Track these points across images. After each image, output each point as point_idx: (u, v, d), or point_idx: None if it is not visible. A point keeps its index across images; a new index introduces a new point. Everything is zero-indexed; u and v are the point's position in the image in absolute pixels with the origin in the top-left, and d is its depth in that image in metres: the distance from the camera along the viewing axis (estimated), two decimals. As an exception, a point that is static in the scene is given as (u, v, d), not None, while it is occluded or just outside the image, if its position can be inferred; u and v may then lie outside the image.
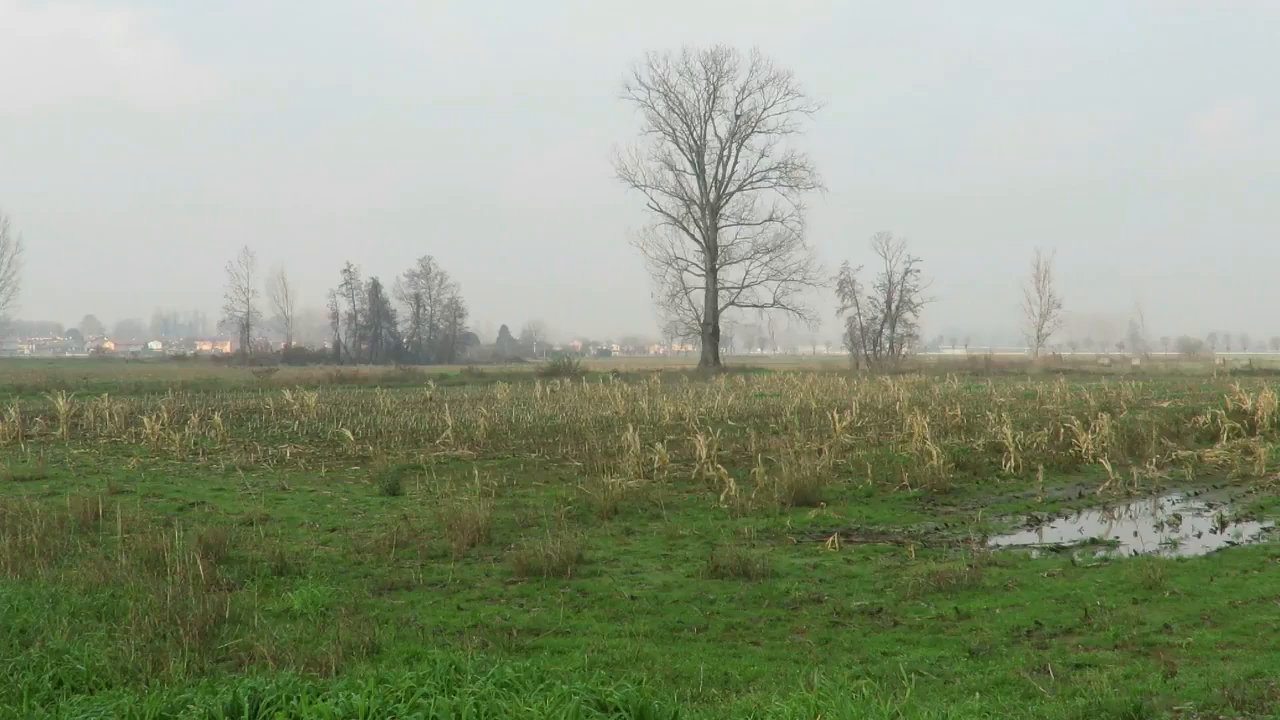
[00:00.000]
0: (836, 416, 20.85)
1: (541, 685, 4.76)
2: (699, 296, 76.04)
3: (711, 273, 73.91)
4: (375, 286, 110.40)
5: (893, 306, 79.65)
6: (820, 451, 16.73)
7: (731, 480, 12.74)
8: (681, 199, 74.91)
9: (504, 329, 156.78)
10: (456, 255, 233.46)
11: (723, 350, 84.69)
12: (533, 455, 17.59)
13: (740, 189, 74.79)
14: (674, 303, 75.46)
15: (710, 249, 73.70)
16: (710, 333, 74.04)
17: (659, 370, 61.01)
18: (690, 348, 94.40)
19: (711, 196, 74.37)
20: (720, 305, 75.56)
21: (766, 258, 74.67)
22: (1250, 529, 10.94)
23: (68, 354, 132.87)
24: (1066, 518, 12.01)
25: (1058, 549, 9.91)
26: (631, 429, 16.30)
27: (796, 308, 74.23)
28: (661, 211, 74.88)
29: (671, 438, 19.80)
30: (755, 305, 75.70)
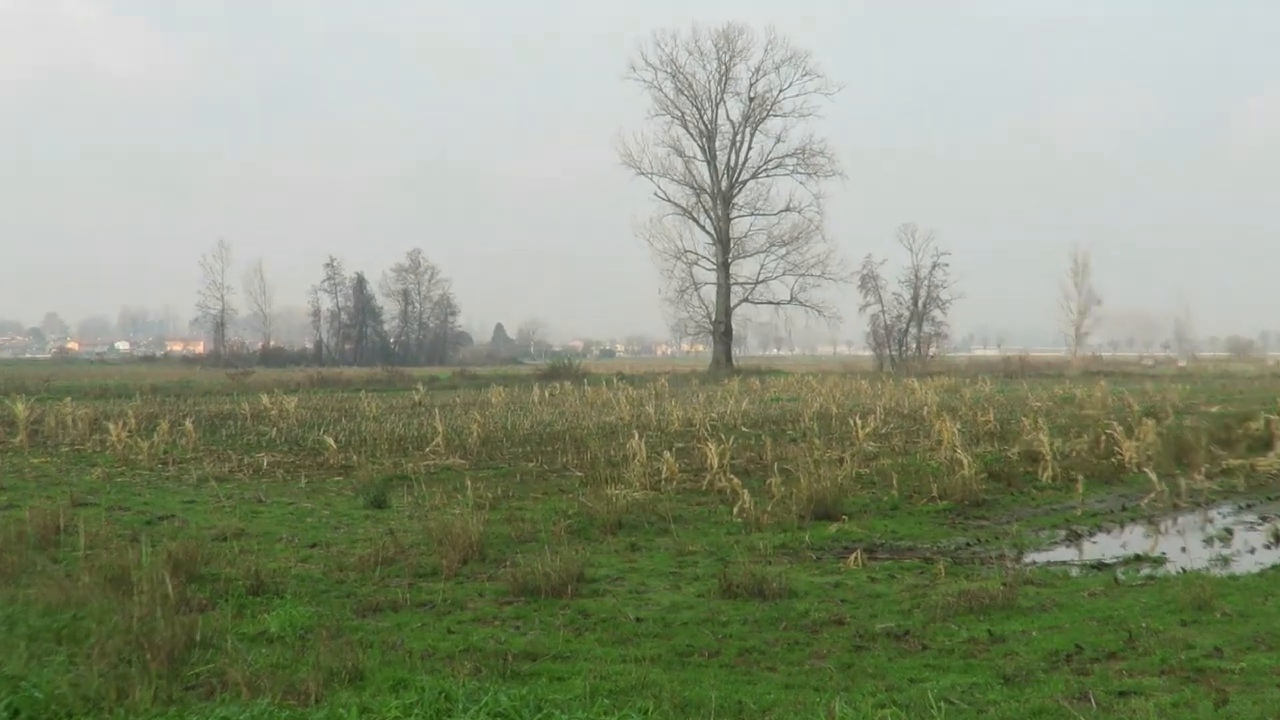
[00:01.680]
0: (859, 422, 20.88)
1: (539, 715, 4.74)
2: (710, 293, 76.12)
3: (723, 267, 73.94)
4: (360, 282, 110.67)
5: (919, 303, 79.56)
6: (841, 460, 16.72)
7: (745, 492, 12.70)
8: (691, 187, 75.07)
9: (499, 328, 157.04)
10: (448, 249, 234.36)
11: (736, 351, 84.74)
12: (530, 465, 17.65)
13: (754, 176, 74.90)
14: (683, 299, 75.56)
15: (722, 241, 73.69)
16: (722, 332, 74.06)
17: (667, 372, 61.06)
18: (701, 348, 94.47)
19: (723, 185, 74.42)
20: (733, 302, 75.60)
21: (783, 251, 74.82)
22: (1309, 544, 10.89)
23: (28, 355, 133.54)
24: (1109, 532, 11.97)
25: (1099, 566, 9.87)
26: (637, 436, 16.30)
27: (815, 305, 74.43)
28: (669, 201, 75.03)
29: (680, 446, 19.85)
30: (771, 302, 75.84)
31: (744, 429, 23.87)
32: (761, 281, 75.31)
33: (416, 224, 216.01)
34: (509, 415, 29.18)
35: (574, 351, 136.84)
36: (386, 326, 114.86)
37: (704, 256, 75.71)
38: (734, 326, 77.65)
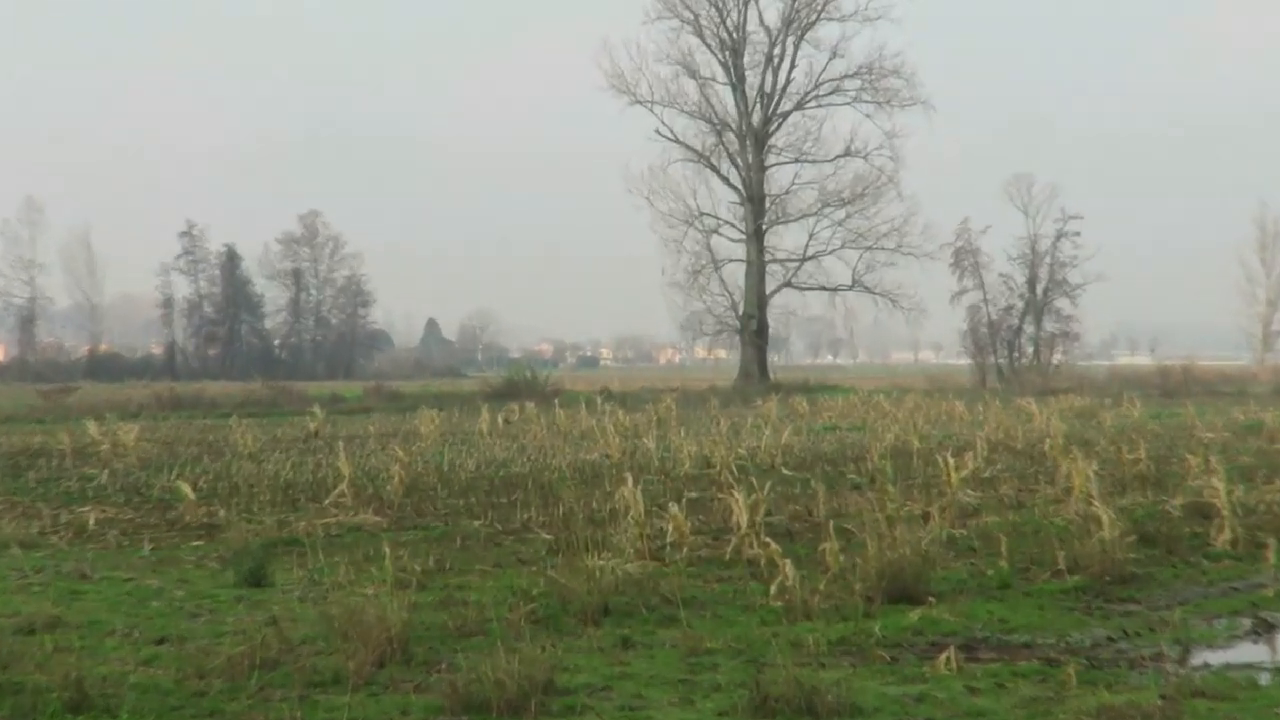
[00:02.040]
0: (951, 462, 20.79)
1: None
2: (736, 274, 76.40)
3: (755, 237, 74.11)
4: (231, 258, 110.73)
5: (1038, 289, 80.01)
6: (927, 517, 16.71)
7: (788, 563, 12.65)
8: (709, 123, 75.32)
9: (432, 326, 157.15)
10: (358, 215, 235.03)
11: (774, 358, 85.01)
12: (476, 524, 17.71)
13: (800, 107, 75.20)
14: (696, 284, 75.80)
15: (753, 200, 73.90)
16: (754, 330, 74.20)
17: (674, 389, 60.83)
18: (723, 354, 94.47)
19: (755, 119, 74.69)
20: (770, 288, 75.72)
21: (841, 214, 75.12)
22: None
23: None
24: (1315, 621, 11.94)
25: (1302, 671, 9.84)
26: (631, 482, 16.24)
27: (888, 291, 74.69)
28: (678, 142, 75.27)
29: (694, 496, 19.88)
30: (824, 288, 76.08)
31: (786, 471, 23.90)
32: (811, 258, 75.76)
33: (316, 182, 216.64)
34: (446, 451, 29.20)
35: (539, 359, 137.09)
36: (270, 324, 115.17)
37: (727, 222, 76.12)
38: (770, 323, 77.94)
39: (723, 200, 76.03)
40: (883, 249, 74.51)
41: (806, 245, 76.02)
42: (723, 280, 76.47)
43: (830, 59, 74.38)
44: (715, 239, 76.35)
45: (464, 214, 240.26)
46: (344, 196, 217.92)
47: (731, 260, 76.50)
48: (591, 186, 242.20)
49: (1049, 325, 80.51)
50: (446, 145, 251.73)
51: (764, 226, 74.90)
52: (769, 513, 16.62)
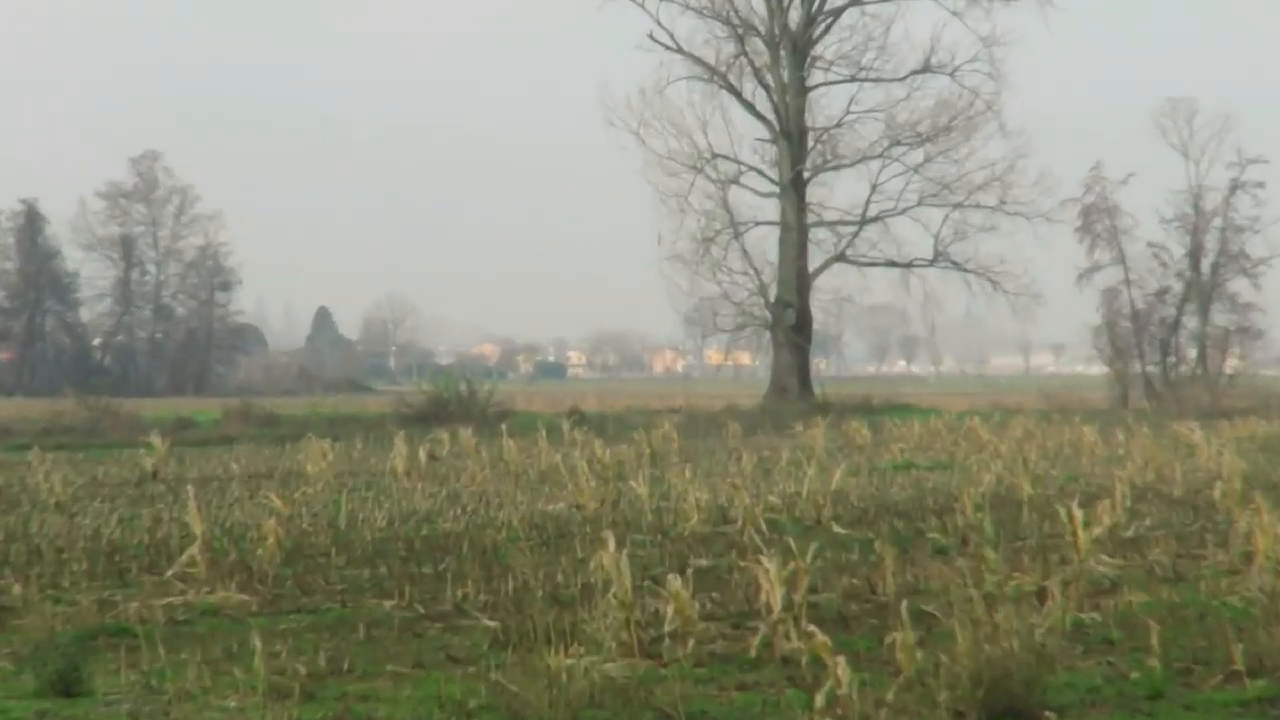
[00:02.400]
0: (1080, 516, 20.69)
1: None
2: (766, 243, 76.21)
3: (793, 189, 73.87)
4: (33, 218, 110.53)
5: (1204, 265, 79.86)
6: (1044, 596, 16.54)
7: (841, 661, 12.54)
8: (727, 24, 75.06)
9: (324, 318, 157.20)
10: (216, 163, 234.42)
11: (821, 364, 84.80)
12: (387, 604, 17.66)
13: (857, 2, 74.88)
14: (708, 257, 75.77)
15: (790, 136, 73.79)
16: (791, 325, 73.79)
17: (675, 409, 60.24)
18: (747, 359, 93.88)
19: (793, 19, 74.56)
20: (814, 264, 75.41)
21: (918, 156, 75.00)
22: None
23: None
24: None
25: None
26: (613, 543, 16.15)
27: (986, 269, 74.62)
28: (681, 52, 75.14)
29: (704, 563, 20.00)
30: (893, 263, 75.73)
31: (838, 529, 23.95)
32: (874, 220, 75.74)
33: (163, 130, 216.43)
34: (344, 501, 29.10)
35: (480, 365, 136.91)
36: (87, 314, 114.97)
37: (752, 168, 76.15)
38: (815, 314, 77.54)
39: (745, 136, 76.02)
40: (978, 207, 74.58)
41: (867, 201, 75.95)
42: (746, 252, 76.37)
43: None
44: (735, 192, 76.36)
45: (372, 170, 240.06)
46: (199, 139, 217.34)
47: (759, 223, 76.54)
48: (555, 123, 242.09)
49: (1220, 318, 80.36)
50: (353, 68, 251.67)
51: (805, 174, 74.72)
52: (814, 589, 16.51)
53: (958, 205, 74.16)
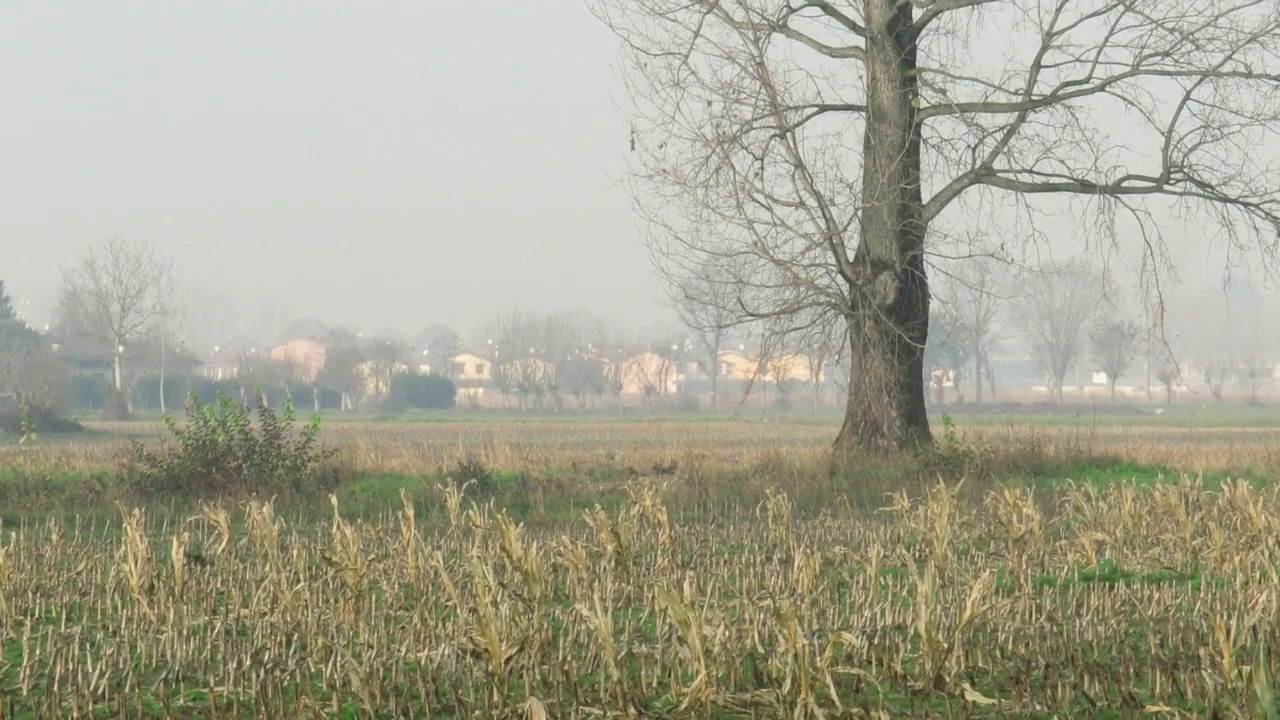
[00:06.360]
0: None
1: None
2: (837, 149, 50.18)
3: (891, 41, 49.34)
4: None
5: None
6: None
7: None
8: None
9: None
10: None
11: (944, 376, 71.61)
12: None
13: None
14: (724, 176, 50.35)
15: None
16: (886, 303, 51.35)
17: (666, 466, 48.96)
18: (809, 371, 65.24)
19: None
20: (932, 190, 53.02)
21: None
22: None
23: None
24: None
25: None
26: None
27: (1267, 197, 49.16)
28: None
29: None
30: (1086, 186, 50.09)
31: (974, 694, 18.10)
32: (1048, 100, 50.61)
33: None
34: (31, 644, 21.39)
35: (292, 379, 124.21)
36: None
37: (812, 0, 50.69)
38: (935, 287, 54.00)
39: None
40: (1250, 76, 49.67)
41: (1035, 65, 51.20)
42: (801, 165, 51.10)
43: None
44: (779, 47, 52.78)
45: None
46: None
47: (825, 107, 52.29)
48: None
49: None
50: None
51: (915, 10, 51.14)
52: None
53: (1210, 73, 50.15)
